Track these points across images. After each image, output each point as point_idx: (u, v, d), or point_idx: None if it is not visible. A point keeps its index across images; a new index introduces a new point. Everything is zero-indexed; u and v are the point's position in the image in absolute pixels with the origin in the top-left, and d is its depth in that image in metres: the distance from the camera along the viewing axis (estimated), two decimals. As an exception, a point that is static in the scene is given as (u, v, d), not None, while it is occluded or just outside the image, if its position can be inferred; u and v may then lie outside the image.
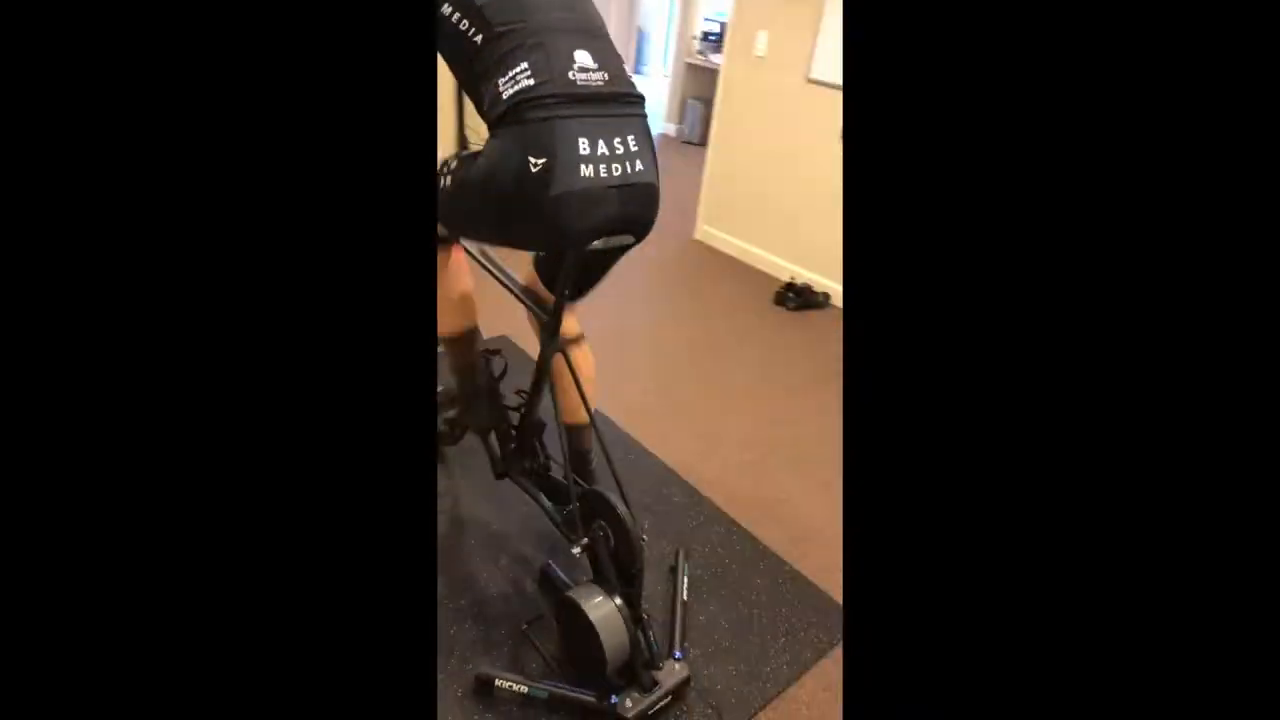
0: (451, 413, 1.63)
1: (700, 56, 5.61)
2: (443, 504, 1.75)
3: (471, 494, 1.78)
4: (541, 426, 1.51)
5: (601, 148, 0.99)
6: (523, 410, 1.47)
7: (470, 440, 1.83)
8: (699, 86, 5.66)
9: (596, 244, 1.05)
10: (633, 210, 1.05)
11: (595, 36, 1.05)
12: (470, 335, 1.45)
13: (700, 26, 5.70)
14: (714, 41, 5.61)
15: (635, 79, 1.08)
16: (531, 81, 0.97)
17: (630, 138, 1.02)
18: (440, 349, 1.47)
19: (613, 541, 1.31)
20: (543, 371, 1.37)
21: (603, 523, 1.32)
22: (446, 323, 1.42)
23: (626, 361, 2.47)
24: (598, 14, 1.09)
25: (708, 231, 3.58)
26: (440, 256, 1.36)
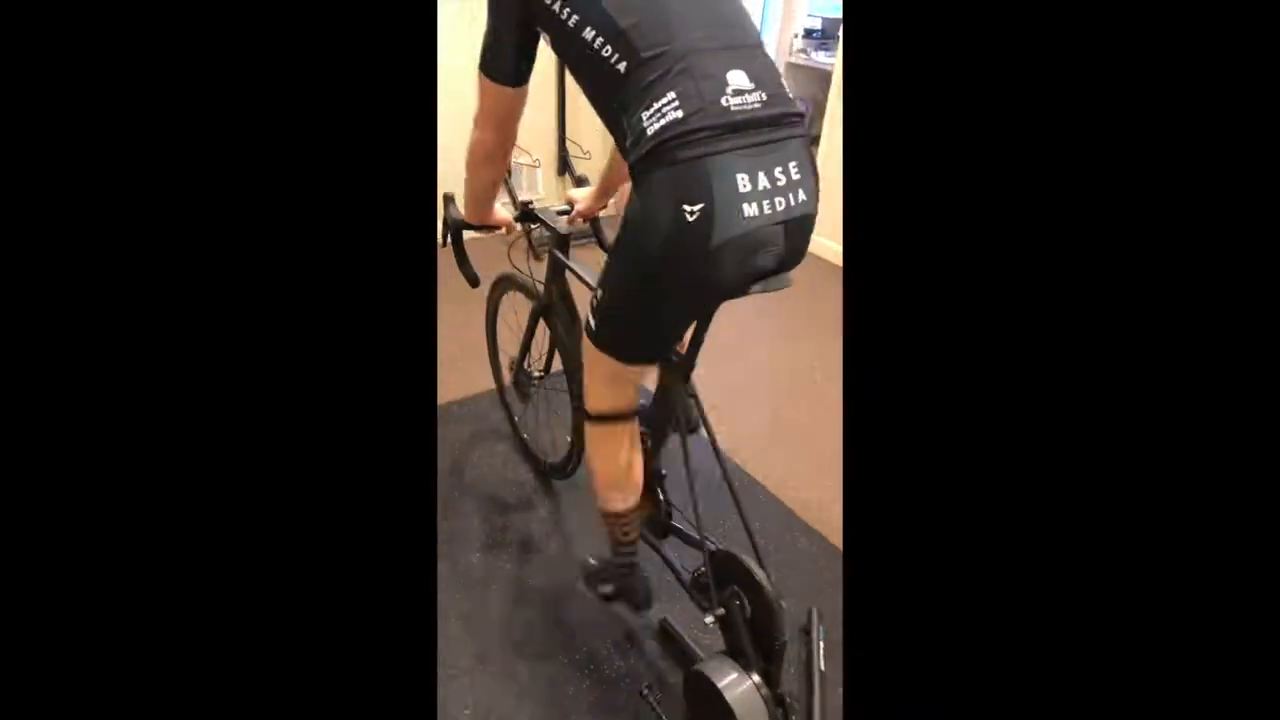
0: (609, 588, 1.43)
1: (801, 55, 5.38)
2: (551, 544, 1.66)
3: (581, 532, 1.68)
4: (663, 475, 1.39)
5: (763, 181, 0.85)
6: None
7: (581, 474, 1.74)
8: (800, 86, 5.44)
9: (756, 288, 0.92)
10: (796, 245, 0.91)
11: (749, 50, 0.90)
12: (632, 513, 1.27)
13: (802, 23, 5.47)
14: (817, 38, 5.38)
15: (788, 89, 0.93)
16: (680, 114, 0.83)
17: (793, 164, 0.88)
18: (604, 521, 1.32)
19: (749, 611, 1.17)
20: (670, 417, 1.25)
21: (737, 589, 1.18)
22: (611, 498, 1.26)
23: (737, 388, 2.31)
24: (750, 22, 0.95)
25: (819, 242, 3.37)
26: (610, 430, 1.19)
